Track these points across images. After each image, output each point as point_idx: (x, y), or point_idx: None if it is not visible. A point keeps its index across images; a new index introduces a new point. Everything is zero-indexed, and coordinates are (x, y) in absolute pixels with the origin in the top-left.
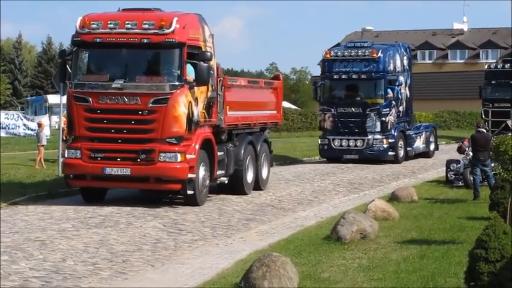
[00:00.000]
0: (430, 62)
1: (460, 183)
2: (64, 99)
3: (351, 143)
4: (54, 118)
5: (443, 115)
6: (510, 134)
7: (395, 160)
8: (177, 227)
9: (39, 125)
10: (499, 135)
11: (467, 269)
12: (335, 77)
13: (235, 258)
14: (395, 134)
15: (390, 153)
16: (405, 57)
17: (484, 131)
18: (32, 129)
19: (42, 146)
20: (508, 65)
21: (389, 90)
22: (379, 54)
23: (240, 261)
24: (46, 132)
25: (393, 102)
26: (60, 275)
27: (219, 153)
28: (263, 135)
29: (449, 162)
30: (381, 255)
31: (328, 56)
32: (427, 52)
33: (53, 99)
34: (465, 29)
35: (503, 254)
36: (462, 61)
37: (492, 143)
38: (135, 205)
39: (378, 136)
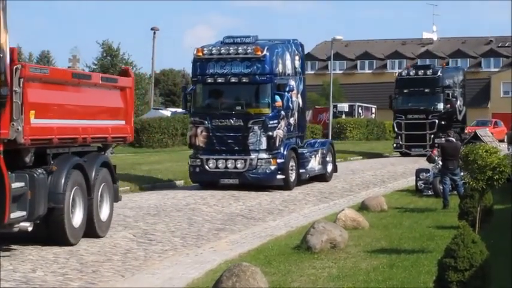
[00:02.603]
0: (400, 71)
1: (430, 192)
2: None
3: (230, 164)
4: None
5: None
6: (479, 143)
7: (285, 185)
8: (147, 237)
9: None
10: (468, 144)
11: (437, 278)
12: (209, 80)
13: (205, 268)
14: (285, 152)
15: (279, 176)
16: (297, 57)
17: (454, 140)
18: None
19: None
20: (422, 71)
21: (277, 98)
22: (265, 52)
23: (210, 271)
24: None
25: (282, 112)
26: (30, 285)
27: (16, 185)
28: (101, 157)
29: (418, 172)
30: (350, 264)
31: (200, 54)
32: (396, 61)
33: None
34: (434, 39)
35: (472, 263)
36: None
37: (461, 152)
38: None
39: (264, 155)
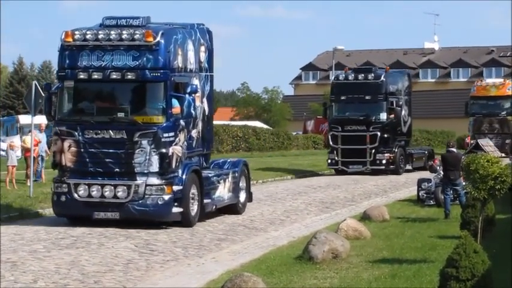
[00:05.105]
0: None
1: (432, 202)
2: (36, 119)
3: (107, 191)
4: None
5: (414, 134)
6: (480, 152)
7: (184, 221)
8: (149, 248)
9: (10, 145)
10: (469, 154)
11: None
12: (81, 76)
13: (207, 278)
14: (185, 176)
15: (175, 209)
16: (203, 48)
17: (455, 150)
18: (3, 150)
19: (14, 166)
20: (362, 75)
21: (175, 102)
22: (159, 38)
23: (211, 282)
24: (17, 152)
25: (182, 122)
26: None
27: None
28: None
29: (420, 181)
30: (352, 274)
31: (69, 39)
32: None
33: (24, 119)
34: (436, 48)
35: (473, 273)
36: (433, 80)
37: (463, 162)
38: (106, 226)
39: (155, 180)
